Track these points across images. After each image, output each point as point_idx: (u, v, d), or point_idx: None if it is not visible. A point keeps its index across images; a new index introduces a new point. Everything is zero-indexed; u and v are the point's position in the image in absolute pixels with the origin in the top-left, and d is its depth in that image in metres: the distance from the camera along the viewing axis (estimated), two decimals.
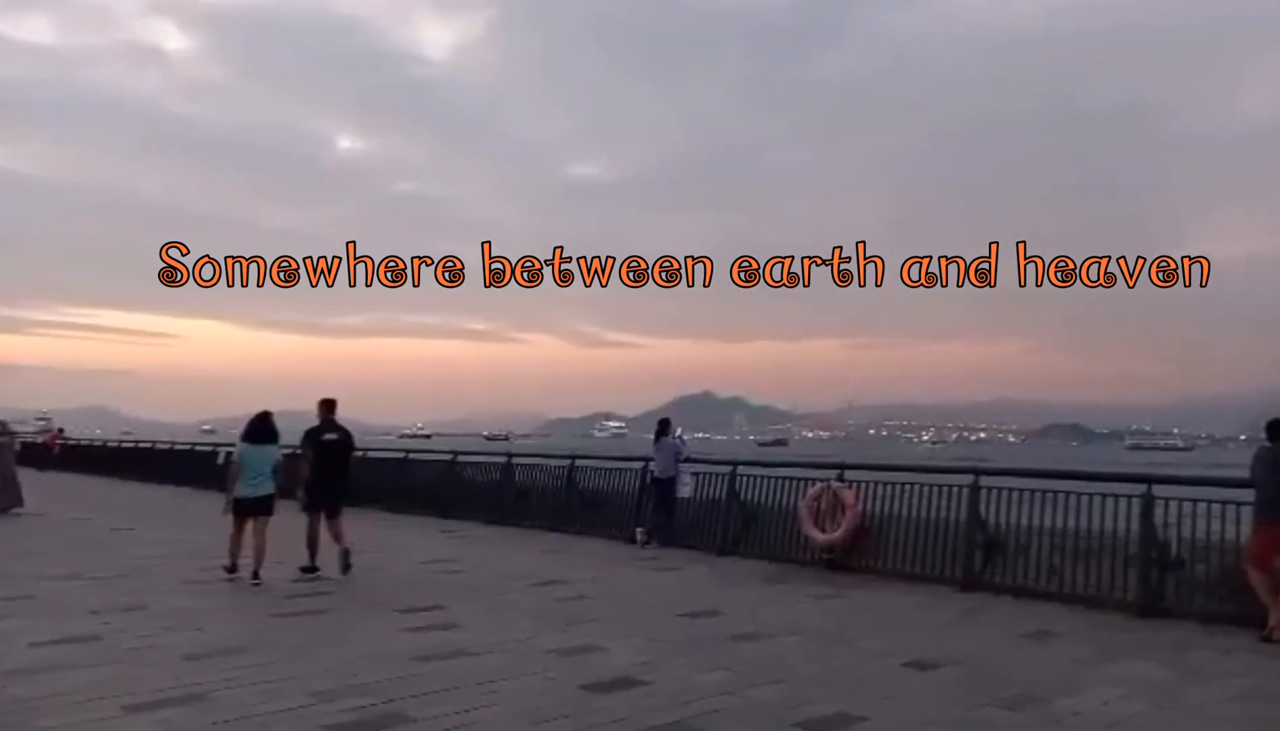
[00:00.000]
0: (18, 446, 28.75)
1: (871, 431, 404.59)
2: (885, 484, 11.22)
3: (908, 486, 10.98)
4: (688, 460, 13.80)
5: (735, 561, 11.91)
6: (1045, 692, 5.99)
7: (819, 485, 11.57)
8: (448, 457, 18.59)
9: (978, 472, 10.52)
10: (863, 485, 11.35)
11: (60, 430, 50.26)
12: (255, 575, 9.80)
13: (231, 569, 10.03)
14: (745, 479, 12.80)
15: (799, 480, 12.15)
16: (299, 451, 10.96)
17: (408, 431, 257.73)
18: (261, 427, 10.38)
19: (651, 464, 13.85)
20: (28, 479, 22.10)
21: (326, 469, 10.56)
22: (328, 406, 11.03)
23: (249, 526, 10.08)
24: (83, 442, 44.88)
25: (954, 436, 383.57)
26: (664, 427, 13.94)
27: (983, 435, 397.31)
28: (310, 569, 10.31)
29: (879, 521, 11.06)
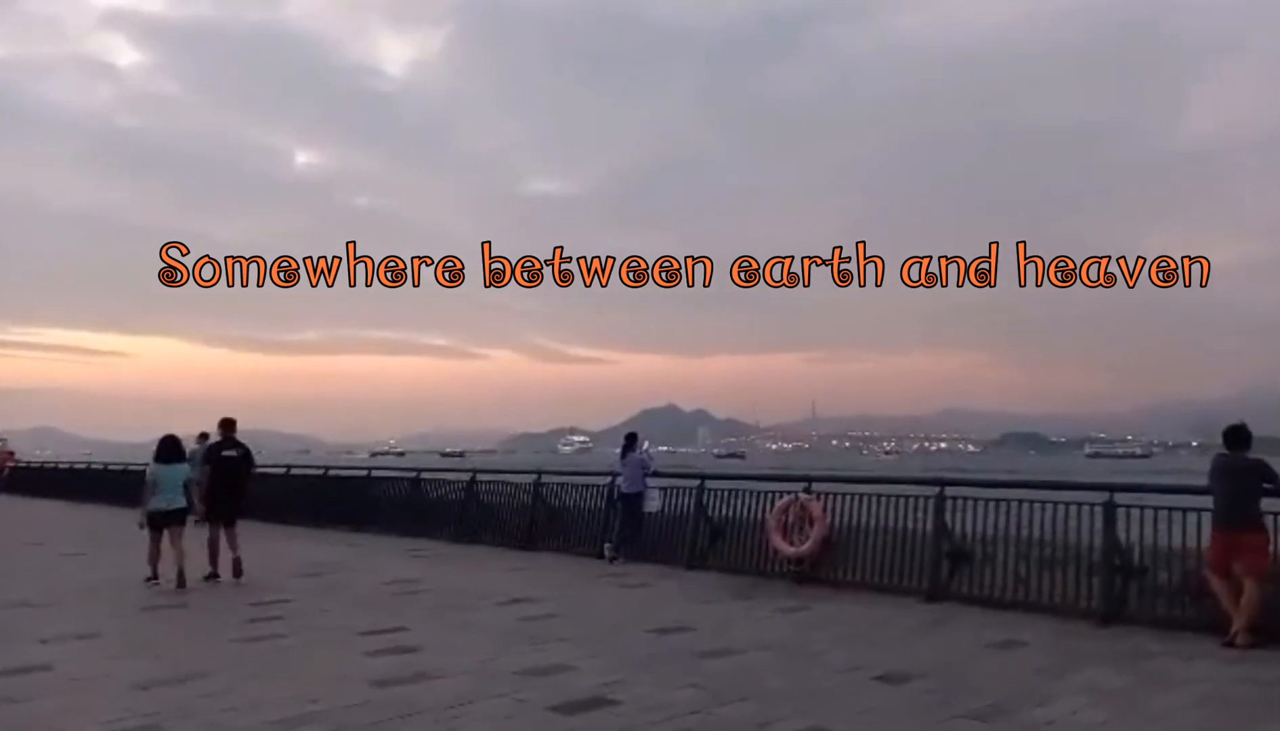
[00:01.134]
0: None
1: (835, 442, 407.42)
2: (852, 495, 11.23)
3: (874, 498, 11.00)
4: (655, 474, 13.73)
5: (704, 575, 11.84)
6: (1015, 703, 5.99)
7: (786, 497, 11.56)
8: (412, 476, 18.32)
9: (943, 483, 10.56)
10: (830, 497, 11.35)
11: (10, 452, 48.86)
12: (180, 580, 10.77)
13: (153, 577, 10.98)
14: (713, 493, 12.75)
15: (767, 493, 12.13)
16: (201, 466, 12.14)
17: (379, 449, 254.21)
18: (171, 448, 11.58)
19: (618, 479, 13.75)
20: None
21: (225, 482, 11.74)
22: (228, 425, 12.21)
23: (165, 537, 11.14)
24: (32, 464, 43.71)
25: (914, 447, 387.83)
26: (631, 442, 13.85)
27: (943, 445, 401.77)
28: (212, 575, 11.44)
29: (846, 533, 11.06)
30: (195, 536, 11.55)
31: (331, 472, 21.37)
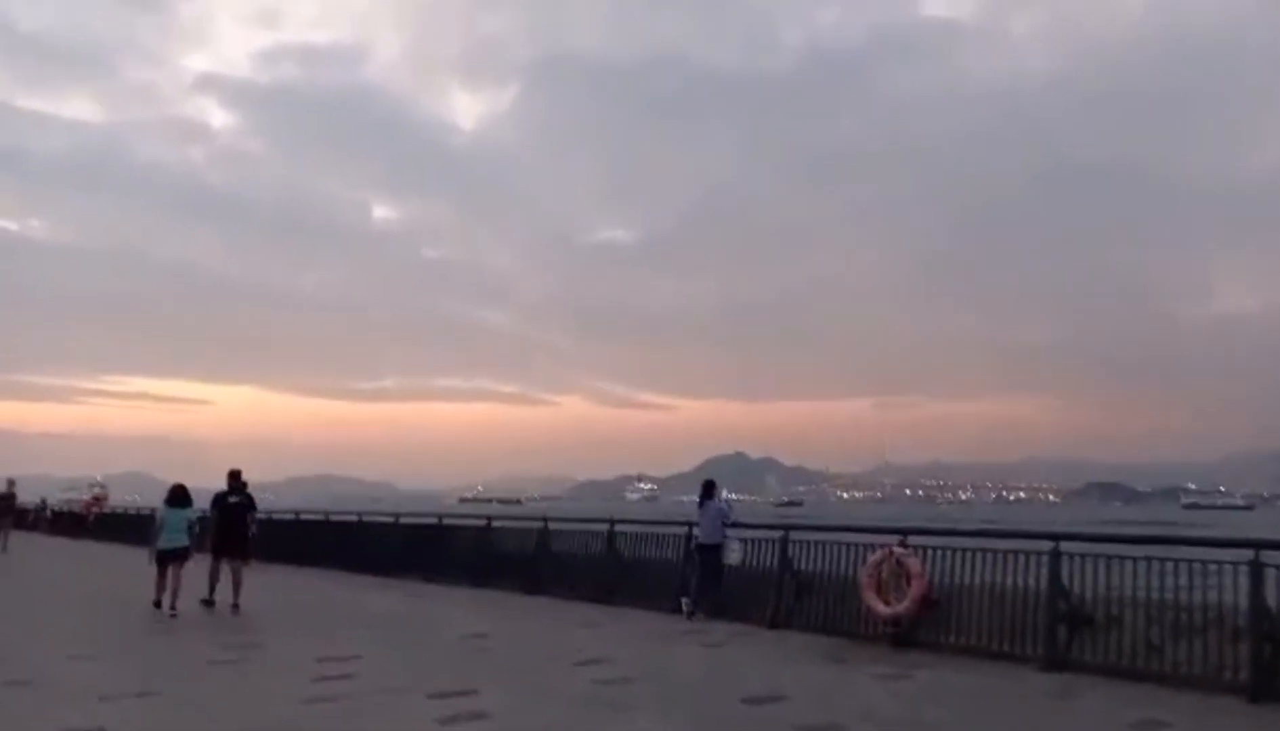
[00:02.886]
0: (48, 514, 28.82)
1: (907, 492, 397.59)
2: (953, 550, 10.36)
3: (979, 553, 10.13)
4: (735, 524, 13.02)
5: (790, 635, 11.05)
6: None
7: (880, 551, 10.75)
8: (482, 524, 17.92)
9: (1057, 537, 9.65)
10: (928, 551, 10.51)
11: (95, 497, 50.30)
12: (173, 608, 12.51)
13: (157, 604, 12.69)
14: (798, 545, 11.99)
15: (858, 546, 11.33)
16: (207, 512, 14.01)
17: (467, 495, 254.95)
18: (179, 495, 13.38)
19: (696, 529, 13.09)
20: (58, 548, 21.73)
21: (229, 525, 13.63)
22: (234, 476, 14.16)
23: (169, 571, 12.74)
24: (116, 510, 44.79)
25: (992, 496, 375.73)
26: (709, 490, 13.18)
27: (1021, 494, 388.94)
28: (208, 601, 13.23)
29: (948, 591, 10.19)
30: (199, 571, 13.30)
31: (403, 521, 21.12)
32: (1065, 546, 9.48)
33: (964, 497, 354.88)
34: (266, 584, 17.83)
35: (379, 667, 8.93)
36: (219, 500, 13.88)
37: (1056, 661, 9.03)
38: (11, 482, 26.80)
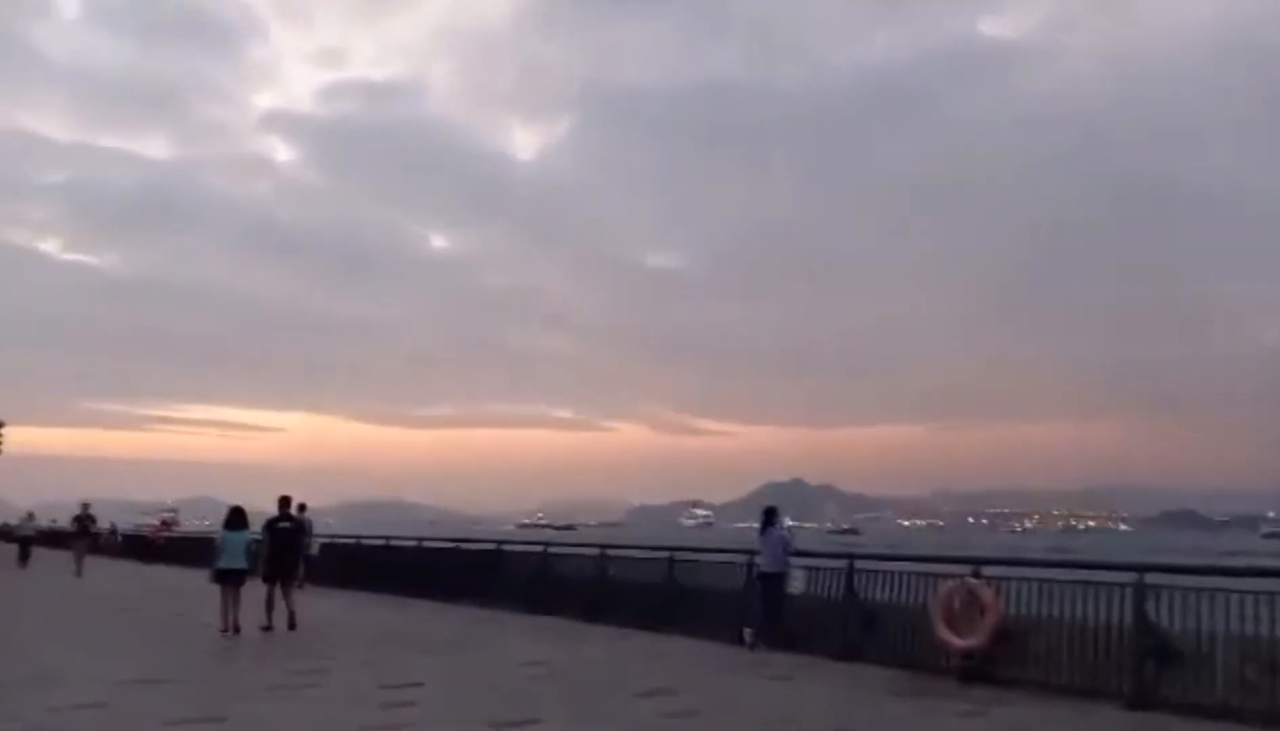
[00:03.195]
0: (118, 538, 29.72)
1: (970, 519, 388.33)
2: (1029, 581, 9.95)
3: (1056, 585, 9.71)
4: (798, 553, 12.71)
5: (857, 668, 10.70)
6: None
7: (952, 582, 10.38)
8: (539, 550, 17.86)
9: (1142, 569, 9.20)
10: (1003, 582, 10.11)
11: (163, 522, 51.59)
12: (236, 628, 13.09)
13: (223, 629, 13.11)
14: (864, 575, 11.65)
15: (927, 576, 10.97)
16: (260, 536, 14.57)
17: (527, 520, 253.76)
18: (237, 518, 14.14)
19: (757, 557, 12.82)
20: (129, 572, 22.17)
21: (280, 548, 14.11)
22: (284, 502, 14.72)
23: (228, 591, 13.34)
24: (186, 534, 45.86)
25: (1059, 524, 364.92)
26: (770, 517, 12.89)
27: (1091, 523, 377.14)
28: (267, 627, 13.49)
29: (1024, 624, 9.78)
30: (257, 595, 13.71)
31: (461, 547, 21.17)
32: (1150, 578, 9.05)
33: (1029, 525, 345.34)
34: (329, 609, 18.00)
35: (440, 696, 8.85)
36: (270, 525, 14.37)
37: (1143, 699, 8.57)
38: (86, 506, 27.42)
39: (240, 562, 13.61)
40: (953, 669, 10.10)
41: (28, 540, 31.13)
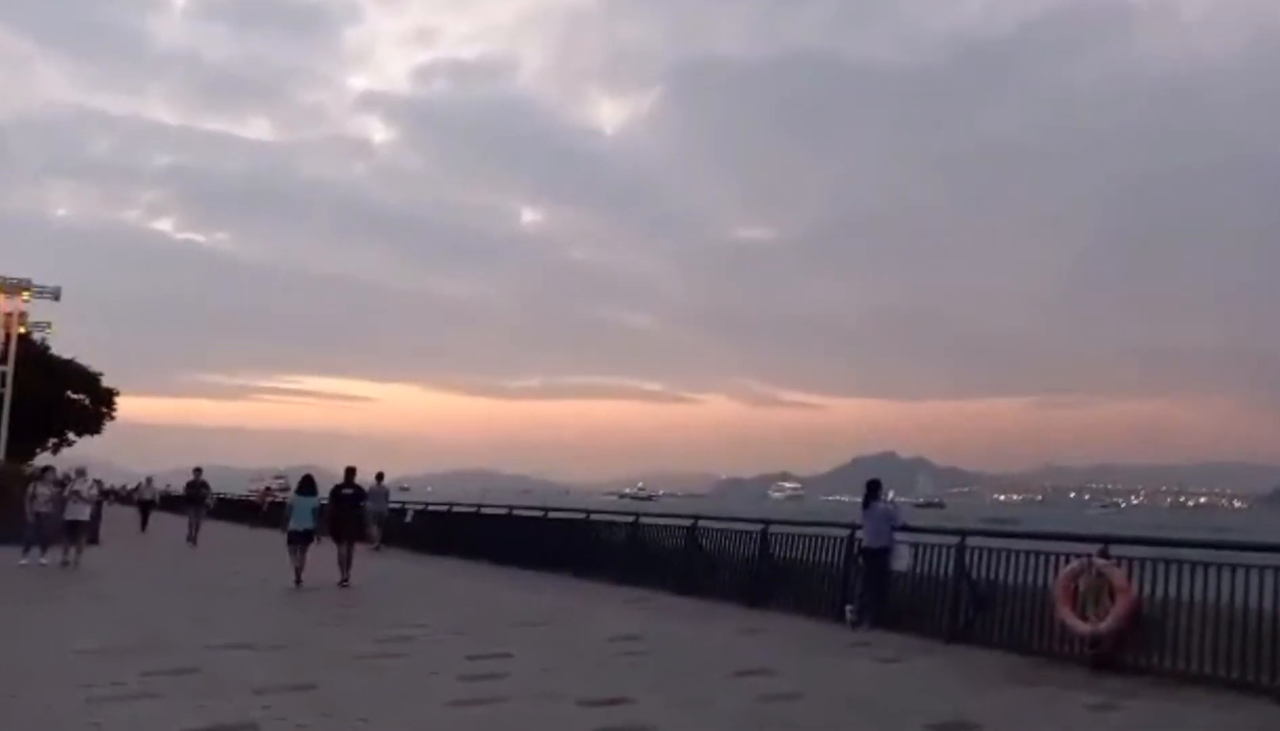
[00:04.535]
0: (210, 502, 30.51)
1: (1072, 495, 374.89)
2: (1165, 562, 9.06)
3: (1198, 566, 8.80)
4: (903, 527, 12.00)
5: (970, 652, 9.99)
6: None
7: (1077, 562, 9.55)
8: (630, 520, 17.52)
9: None
10: (1135, 563, 9.24)
11: (268, 488, 53.35)
12: (298, 581, 14.77)
13: (296, 582, 14.75)
14: (977, 552, 10.89)
15: (1047, 555, 10.14)
16: (326, 501, 16.53)
17: (628, 491, 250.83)
18: (307, 484, 16.06)
19: (859, 532, 12.16)
20: (236, 535, 22.81)
21: (344, 513, 15.87)
22: (349, 472, 16.64)
23: (298, 550, 15.06)
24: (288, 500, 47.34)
25: (1167, 501, 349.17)
26: (874, 491, 12.20)
27: (1202, 500, 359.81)
28: (343, 582, 14.96)
29: (1160, 608, 8.91)
30: (326, 552, 15.56)
31: (551, 515, 21.04)
32: None
33: (1135, 502, 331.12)
34: (420, 574, 18.10)
35: (529, 668, 8.55)
36: (335, 492, 16.10)
37: None
38: (199, 472, 27.55)
39: (308, 523, 15.35)
40: (1077, 655, 9.32)
41: (149, 504, 32.14)
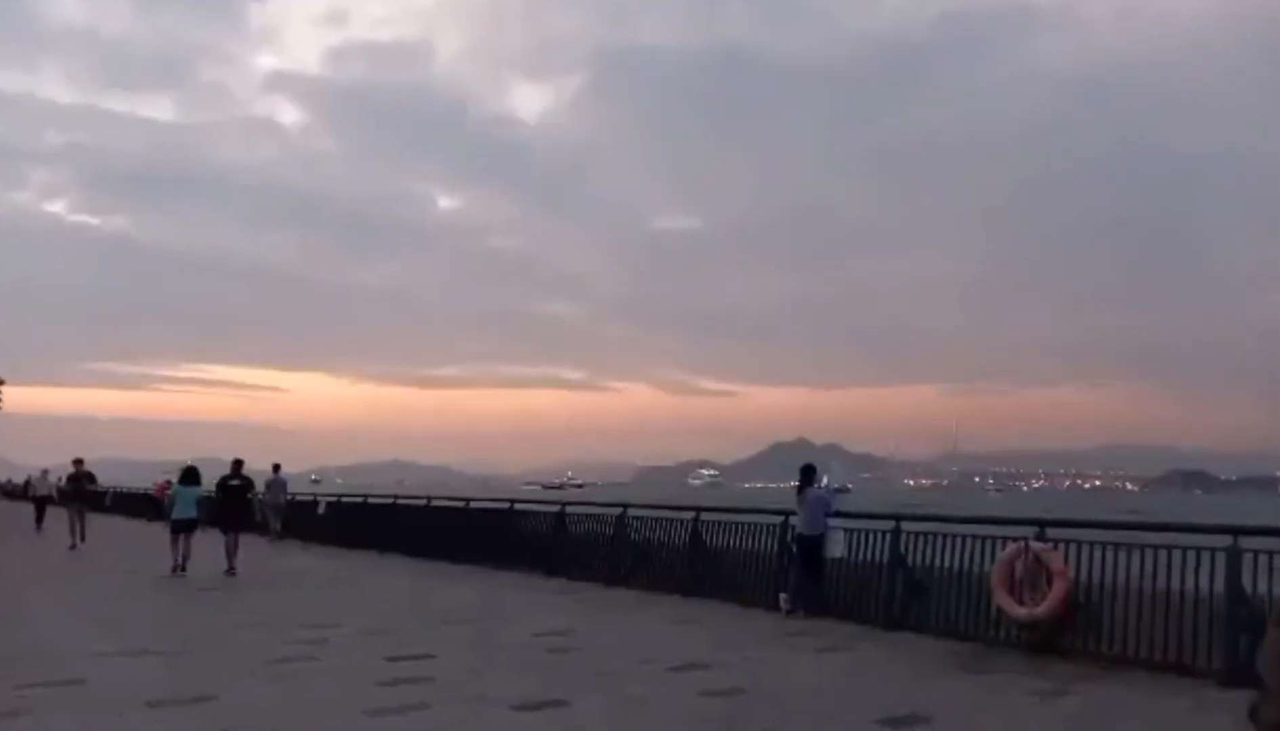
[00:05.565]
0: (106, 497, 27.87)
1: (976, 479, 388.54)
2: (1101, 545, 9.03)
3: (1134, 549, 8.78)
4: (838, 513, 11.81)
5: (910, 638, 9.82)
6: None
7: (1013, 546, 9.46)
8: (555, 510, 16.99)
9: (1235, 532, 8.25)
10: (1071, 546, 9.18)
11: (169, 481, 50.89)
12: (183, 568, 15.20)
13: (174, 568, 15.17)
14: (912, 537, 10.75)
15: (983, 539, 10.05)
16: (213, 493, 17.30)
17: (554, 482, 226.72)
18: (190, 475, 16.55)
19: (794, 518, 11.92)
20: (133, 531, 21.40)
21: (229, 503, 16.42)
22: (236, 463, 17.12)
23: (180, 539, 15.47)
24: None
25: (1066, 483, 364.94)
26: (808, 476, 11.96)
27: (1097, 482, 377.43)
28: (229, 570, 15.35)
29: (1095, 592, 8.87)
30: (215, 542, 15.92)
31: (473, 505, 20.35)
32: (1245, 542, 8.11)
33: (1036, 486, 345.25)
34: (331, 570, 17.22)
35: (454, 670, 7.97)
36: (222, 483, 16.66)
37: (1240, 675, 7.65)
38: (80, 462, 24.72)
39: (190, 513, 15.88)
40: (1015, 640, 9.24)
41: (45, 500, 29.21)
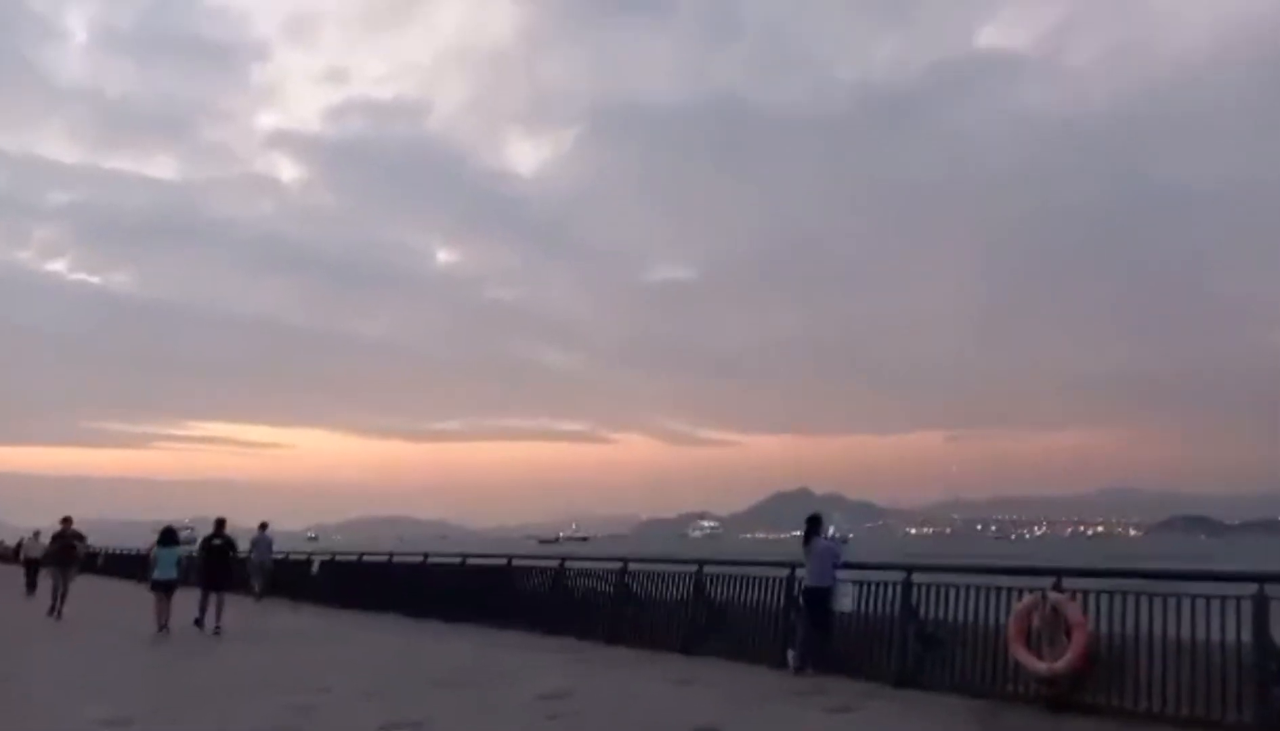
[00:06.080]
0: (98, 557, 26.80)
1: (979, 527, 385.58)
2: (1121, 594, 8.70)
3: (1155, 598, 8.47)
4: (846, 565, 11.46)
5: (920, 696, 9.43)
6: None
7: (1030, 597, 9.14)
8: (555, 565, 16.61)
9: (1261, 579, 7.96)
10: (1090, 595, 8.87)
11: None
12: (165, 627, 15.37)
13: (159, 628, 15.35)
14: (922, 588, 10.41)
15: (998, 590, 9.72)
16: (195, 552, 18.21)
17: (550, 536, 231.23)
18: (168, 536, 16.74)
19: (800, 571, 11.57)
20: (124, 592, 20.96)
21: (213, 562, 16.47)
22: (220, 523, 17.28)
23: (160, 598, 15.69)
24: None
25: (1068, 531, 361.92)
26: (814, 526, 11.64)
27: (1099, 528, 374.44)
28: (197, 621, 15.78)
29: (1117, 645, 8.53)
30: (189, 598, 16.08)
31: (470, 562, 19.93)
32: (1271, 589, 7.82)
33: (1039, 532, 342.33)
34: (325, 630, 16.76)
35: None
36: (205, 543, 16.88)
37: (1270, 729, 7.34)
38: (68, 521, 23.47)
39: (171, 573, 16.08)
40: (1033, 696, 8.87)
41: (36, 562, 28.34)
